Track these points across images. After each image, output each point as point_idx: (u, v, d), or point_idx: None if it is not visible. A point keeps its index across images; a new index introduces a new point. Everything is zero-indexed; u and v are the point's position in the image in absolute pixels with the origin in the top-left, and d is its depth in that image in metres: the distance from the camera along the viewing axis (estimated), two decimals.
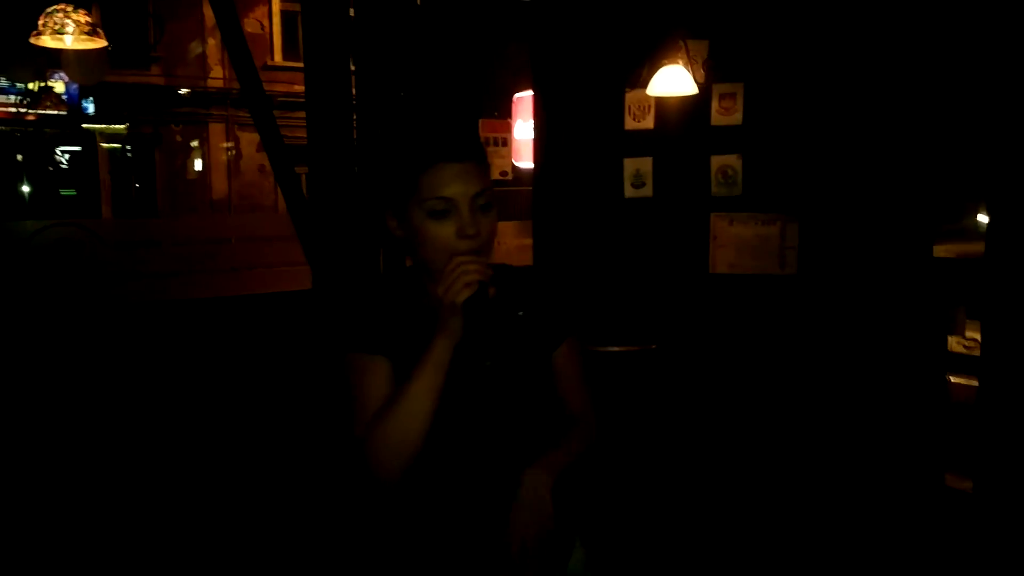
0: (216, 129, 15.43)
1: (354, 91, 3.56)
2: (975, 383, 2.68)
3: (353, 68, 3.60)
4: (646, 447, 3.23)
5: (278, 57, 15.20)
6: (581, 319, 1.44)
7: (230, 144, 15.48)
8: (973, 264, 2.82)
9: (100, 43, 2.03)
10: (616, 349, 3.10)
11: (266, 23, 15.14)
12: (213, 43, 14.50)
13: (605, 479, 3.05)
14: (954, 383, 3.04)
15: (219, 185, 15.52)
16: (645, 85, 3.38)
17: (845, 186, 3.00)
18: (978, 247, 2.66)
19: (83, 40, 2.02)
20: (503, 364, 1.32)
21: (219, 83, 14.86)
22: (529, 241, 4.61)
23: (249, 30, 14.11)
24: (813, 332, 3.07)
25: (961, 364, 3.18)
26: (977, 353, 2.68)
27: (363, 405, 1.25)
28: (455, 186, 1.20)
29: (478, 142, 1.29)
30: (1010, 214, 2.53)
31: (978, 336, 2.65)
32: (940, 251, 2.89)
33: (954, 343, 3.23)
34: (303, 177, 3.58)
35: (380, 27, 3.60)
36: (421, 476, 1.28)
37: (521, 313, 1.35)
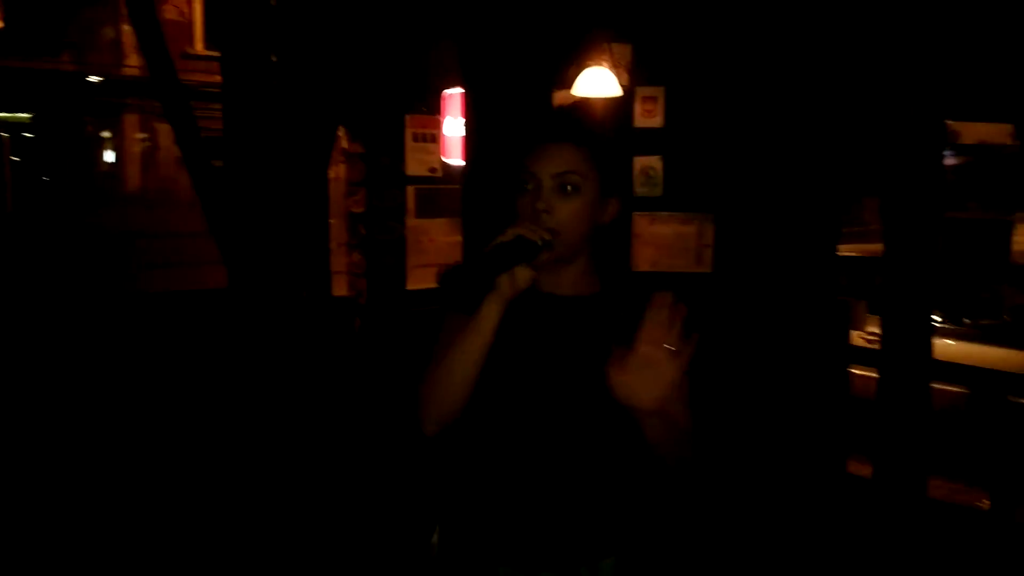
0: (131, 120, 14.81)
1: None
2: (875, 374, 2.84)
3: (274, 59, 3.52)
4: None
5: (199, 46, 14.70)
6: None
7: (146, 135, 14.91)
8: (874, 262, 2.99)
9: None
10: None
11: (187, 10, 14.64)
12: (129, 29, 13.92)
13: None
14: (856, 375, 3.22)
15: (134, 178, 14.92)
16: (571, 86, 3.45)
17: (756, 187, 3.13)
18: (879, 247, 2.83)
19: None
20: (576, 355, 1.26)
21: (135, 71, 14.28)
22: (459, 238, 4.61)
23: (168, 16, 13.62)
24: (729, 328, 3.19)
25: (863, 356, 3.37)
26: (878, 346, 2.84)
27: (432, 359, 1.26)
28: (539, 163, 1.24)
29: (582, 126, 1.27)
30: (905, 216, 2.70)
31: (878, 330, 2.81)
32: (844, 250, 3.05)
33: (856, 337, 3.42)
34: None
35: (304, 18, 3.53)
36: (476, 445, 1.28)
37: (614, 317, 1.28)
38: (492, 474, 1.29)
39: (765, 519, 2.90)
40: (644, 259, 3.47)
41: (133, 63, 14.36)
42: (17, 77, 12.75)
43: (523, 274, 1.19)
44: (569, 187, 1.23)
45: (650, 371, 1.09)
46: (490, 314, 1.18)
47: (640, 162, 3.48)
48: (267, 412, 3.45)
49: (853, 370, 3.20)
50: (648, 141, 3.44)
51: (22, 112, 13.68)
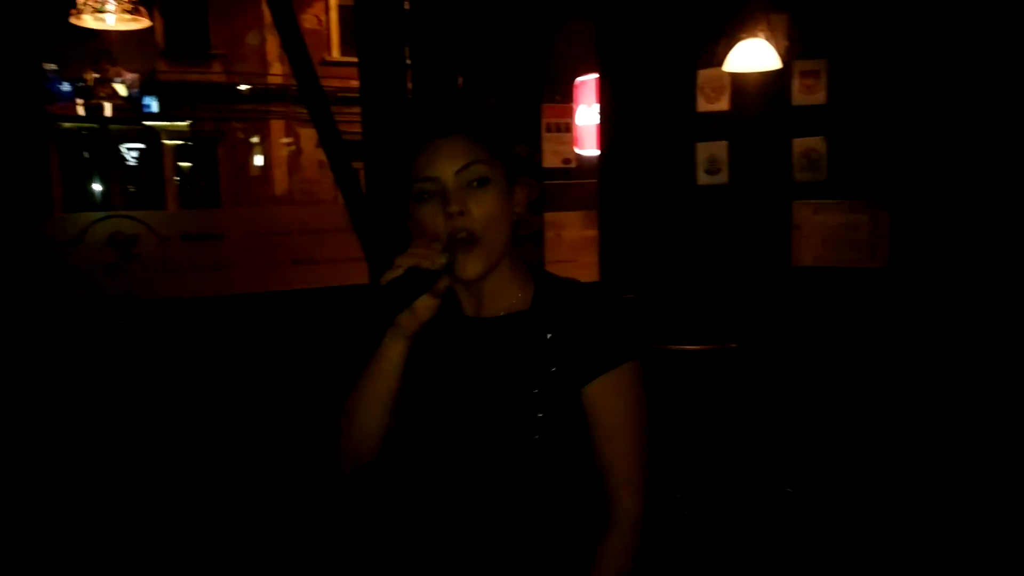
0: (276, 125, 15.60)
1: (410, 85, 3.46)
2: None
3: (409, 61, 3.49)
4: (727, 454, 3.00)
5: (335, 52, 15.25)
6: (639, 348, 1.11)
7: (290, 140, 15.64)
8: None
9: (143, 23, 1.92)
10: (692, 348, 2.87)
11: (323, 18, 15.22)
12: (272, 39, 14.63)
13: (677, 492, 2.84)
14: None
15: (280, 180, 15.70)
16: (720, 63, 3.15)
17: (942, 170, 2.73)
18: None
19: (126, 20, 1.91)
20: (510, 396, 1.08)
21: (279, 79, 14.99)
22: (594, 232, 4.40)
23: (306, 26, 14.19)
24: (910, 330, 2.80)
25: None
26: None
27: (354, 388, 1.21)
28: (437, 163, 1.07)
29: (473, 113, 1.14)
30: None
31: None
32: None
33: None
34: (361, 172, 3.52)
35: (436, 17, 3.48)
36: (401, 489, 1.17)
37: (550, 335, 1.09)
38: (416, 519, 1.18)
39: (978, 525, 2.50)
40: (807, 253, 3.11)
41: (277, 71, 15.10)
42: (174, 89, 13.68)
43: (424, 306, 1.04)
44: (477, 181, 1.07)
45: None
46: (391, 355, 1.07)
47: (800, 144, 3.14)
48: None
49: None
50: (809, 120, 3.12)
51: (180, 121, 14.69)
